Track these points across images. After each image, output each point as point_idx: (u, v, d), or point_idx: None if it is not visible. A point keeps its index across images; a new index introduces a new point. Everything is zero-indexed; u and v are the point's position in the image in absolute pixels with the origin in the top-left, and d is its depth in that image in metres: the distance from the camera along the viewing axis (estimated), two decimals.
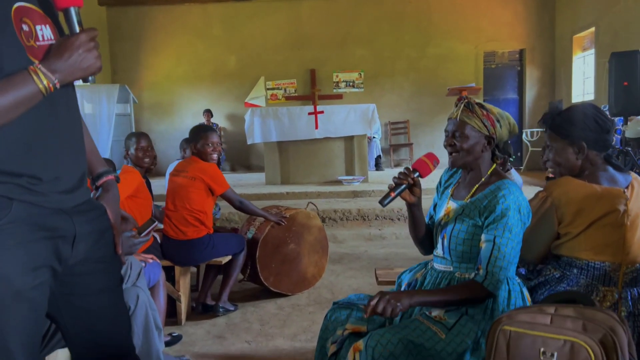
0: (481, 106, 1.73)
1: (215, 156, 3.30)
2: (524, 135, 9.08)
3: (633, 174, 1.84)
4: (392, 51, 9.95)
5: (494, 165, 1.82)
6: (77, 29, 1.23)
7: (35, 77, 1.12)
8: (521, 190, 1.74)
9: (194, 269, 3.91)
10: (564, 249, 1.78)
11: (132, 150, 3.14)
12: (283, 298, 3.62)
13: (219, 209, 4.86)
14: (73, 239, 1.25)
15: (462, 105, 1.76)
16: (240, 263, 3.38)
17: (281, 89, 10.26)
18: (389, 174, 8.05)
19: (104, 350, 1.37)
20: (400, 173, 1.79)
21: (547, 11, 9.71)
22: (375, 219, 5.57)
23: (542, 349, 1.15)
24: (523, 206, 1.67)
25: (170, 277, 3.27)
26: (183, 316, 3.24)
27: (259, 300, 3.61)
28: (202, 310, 3.41)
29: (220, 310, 3.33)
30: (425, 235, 1.94)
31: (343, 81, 10.18)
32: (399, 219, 5.56)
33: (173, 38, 10.21)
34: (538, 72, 9.81)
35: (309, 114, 7.04)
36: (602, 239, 1.71)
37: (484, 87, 9.80)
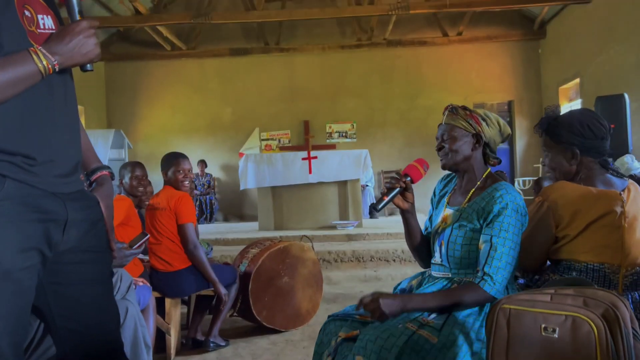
0: (465, 108, 1.77)
1: (187, 183, 3.17)
2: (516, 184, 9.16)
3: (629, 180, 1.85)
4: (383, 103, 10.20)
5: (489, 169, 1.83)
6: (78, 17, 1.27)
7: (35, 57, 1.14)
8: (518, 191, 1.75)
9: (184, 309, 3.81)
10: (563, 253, 1.76)
11: (126, 179, 3.13)
12: (276, 334, 3.50)
13: (211, 248, 4.79)
14: (64, 224, 1.23)
15: (447, 111, 1.80)
16: (232, 296, 3.29)
17: (275, 140, 10.40)
18: (383, 222, 8.03)
19: (91, 344, 1.31)
20: (392, 177, 1.80)
21: (532, 64, 10.07)
22: (371, 260, 5.50)
23: (543, 325, 1.11)
24: (521, 206, 1.67)
25: (160, 311, 3.17)
26: (173, 351, 3.11)
27: (251, 336, 3.49)
28: (192, 345, 3.28)
29: (211, 345, 3.21)
30: (421, 244, 1.92)
31: (336, 132, 10.35)
32: (394, 260, 5.49)
33: (169, 91, 10.44)
34: (527, 122, 10.03)
35: (303, 159, 7.10)
36: (600, 240, 1.70)
37: None
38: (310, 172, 7.08)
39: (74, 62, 1.22)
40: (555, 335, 1.09)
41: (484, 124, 1.78)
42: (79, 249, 1.29)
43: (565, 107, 9.36)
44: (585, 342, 1.06)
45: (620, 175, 1.80)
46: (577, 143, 1.81)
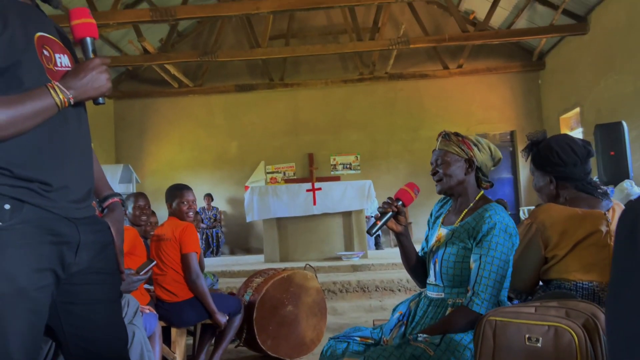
0: (457, 134, 1.87)
1: (191, 214, 3.24)
2: (521, 213, 9.17)
3: (614, 200, 1.92)
4: (386, 134, 10.34)
5: (481, 192, 1.91)
6: (92, 55, 1.39)
7: (52, 92, 1.25)
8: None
9: (190, 340, 3.83)
10: (552, 272, 1.82)
11: (130, 210, 3.22)
12: None
13: (217, 279, 4.84)
14: (77, 247, 1.31)
15: (441, 137, 1.90)
16: (236, 325, 3.33)
17: (280, 172, 10.53)
18: (389, 253, 8.04)
19: None
20: (384, 202, 1.88)
21: (533, 95, 10.23)
22: (376, 290, 5.51)
23: (527, 335, 1.17)
24: (510, 226, 1.73)
25: (167, 341, 3.21)
26: None
27: None
28: None
29: None
30: (417, 264, 1.98)
31: (340, 164, 10.47)
32: (399, 290, 5.50)
33: (176, 127, 10.67)
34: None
35: (307, 190, 7.19)
36: (588, 259, 1.76)
37: None
38: (314, 203, 7.17)
39: (87, 95, 1.33)
40: (539, 345, 1.14)
41: (475, 149, 1.87)
42: (90, 271, 1.36)
43: None
44: (566, 351, 1.12)
45: (604, 196, 1.86)
46: (550, 171, 1.90)
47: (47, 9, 1.48)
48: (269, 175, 10.53)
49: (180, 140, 10.64)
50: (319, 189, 7.23)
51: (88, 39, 1.39)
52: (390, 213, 1.83)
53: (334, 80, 10.37)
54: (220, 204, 10.29)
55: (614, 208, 1.82)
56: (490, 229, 1.69)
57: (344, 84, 10.39)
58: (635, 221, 0.46)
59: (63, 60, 1.39)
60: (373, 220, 1.87)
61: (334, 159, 10.50)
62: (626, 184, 4.90)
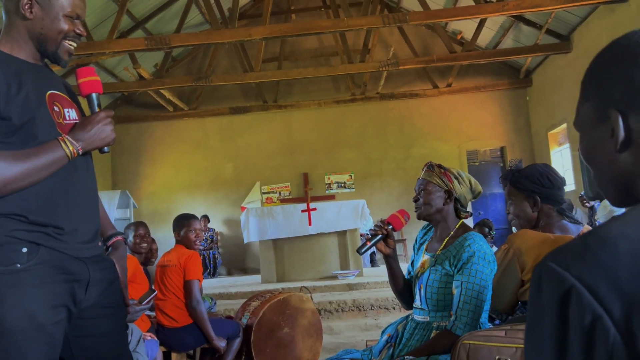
0: (440, 166, 2.01)
1: (199, 242, 3.37)
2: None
3: (585, 225, 2.06)
4: (379, 153, 10.51)
5: (461, 221, 2.05)
6: (97, 109, 1.54)
7: (63, 144, 1.39)
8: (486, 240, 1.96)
9: None
10: (528, 295, 1.94)
11: (130, 238, 3.35)
12: None
13: (215, 303, 4.93)
14: (87, 284, 1.44)
15: (426, 168, 2.05)
16: (234, 348, 3.43)
17: (276, 192, 10.66)
18: (384, 270, 8.13)
19: None
20: (375, 225, 2.02)
21: (521, 112, 10.45)
22: (371, 308, 5.61)
23: (497, 357, 1.29)
24: (488, 254, 1.87)
25: None
26: None
27: None
28: None
29: None
30: (404, 287, 2.12)
31: (335, 182, 10.61)
32: (394, 308, 5.60)
33: (172, 150, 10.80)
34: (522, 164, 10.29)
35: (302, 211, 7.31)
36: None
37: None
38: (310, 223, 7.28)
39: (94, 146, 1.48)
40: None
41: (455, 182, 2.01)
42: (99, 306, 1.49)
43: (555, 152, 9.65)
44: None
45: (575, 221, 2.00)
46: (537, 191, 2.03)
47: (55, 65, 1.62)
48: (265, 196, 10.65)
49: (176, 163, 10.77)
50: (314, 209, 7.35)
51: (94, 95, 1.54)
52: (380, 236, 1.97)
53: (327, 100, 10.57)
54: (216, 225, 10.39)
55: (584, 232, 1.95)
56: (470, 257, 1.83)
57: (337, 105, 10.59)
58: (541, 272, 0.60)
59: (71, 114, 1.54)
60: (364, 240, 2.01)
61: (329, 178, 10.64)
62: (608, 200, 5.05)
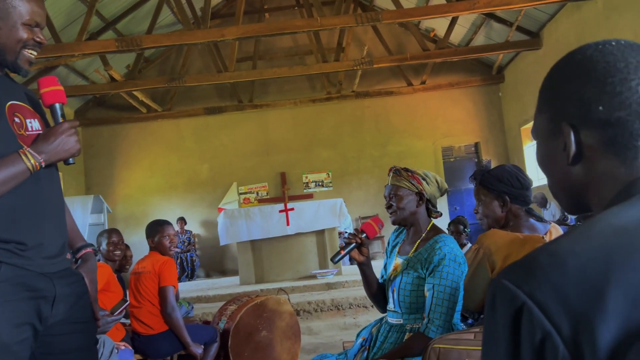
0: (407, 170, 2.03)
1: (173, 248, 3.31)
2: None
3: (552, 223, 2.10)
4: (355, 151, 10.55)
5: (432, 222, 2.07)
6: (61, 120, 1.50)
7: (24, 158, 1.35)
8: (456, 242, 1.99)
9: None
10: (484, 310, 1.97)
11: (103, 246, 3.29)
12: None
13: (192, 307, 4.89)
14: (53, 300, 1.40)
15: (392, 173, 2.06)
16: (212, 354, 3.40)
17: (253, 193, 10.61)
18: None
19: None
20: (349, 234, 2.03)
21: (495, 107, 10.60)
22: (350, 307, 5.63)
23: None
24: (458, 255, 1.90)
25: None
26: None
27: None
28: None
29: None
30: (378, 291, 2.13)
31: (312, 181, 10.62)
32: (372, 306, 5.62)
33: (146, 152, 10.66)
34: (494, 162, 10.45)
35: (280, 211, 7.29)
36: None
37: (446, 180, 10.25)
38: (288, 224, 7.27)
39: (58, 158, 1.44)
40: None
41: (424, 182, 2.03)
42: (67, 321, 1.45)
43: (528, 147, 9.82)
44: None
45: (542, 220, 2.04)
46: (506, 191, 2.06)
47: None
48: (242, 196, 10.60)
49: (151, 165, 10.63)
50: (292, 209, 7.34)
51: (57, 105, 1.50)
52: (354, 244, 1.98)
53: (303, 100, 10.56)
54: (193, 227, 10.29)
55: (551, 231, 2.00)
56: (440, 259, 1.85)
57: (313, 103, 10.59)
58: (495, 289, 0.61)
59: (34, 125, 1.50)
60: (339, 248, 2.01)
61: (306, 177, 10.64)
62: None
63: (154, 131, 10.66)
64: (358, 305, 5.63)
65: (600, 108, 0.66)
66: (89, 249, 1.65)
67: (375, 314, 5.47)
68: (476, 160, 10.63)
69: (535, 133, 0.80)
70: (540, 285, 0.56)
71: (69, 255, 1.59)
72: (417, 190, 2.01)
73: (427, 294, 1.85)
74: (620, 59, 0.67)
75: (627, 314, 0.51)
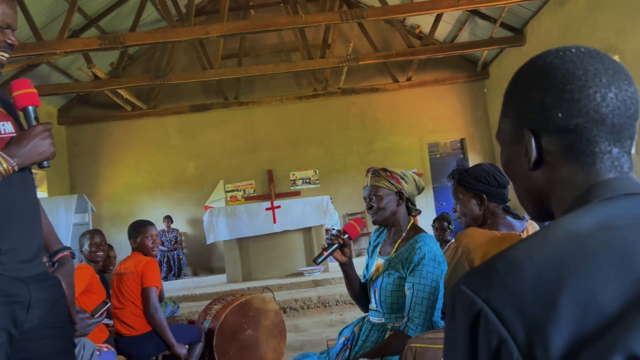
0: (385, 170, 2.04)
1: (156, 249, 3.29)
2: None
3: (529, 220, 2.12)
4: (342, 148, 10.56)
5: (412, 221, 2.08)
6: (34, 123, 1.48)
7: None
8: (436, 241, 2.00)
9: None
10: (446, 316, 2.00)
11: (86, 247, 3.26)
12: None
13: (178, 307, 4.87)
14: (28, 305, 1.39)
15: (371, 174, 2.07)
16: (197, 353, 3.39)
17: (240, 190, 10.58)
18: None
19: None
20: (332, 235, 2.03)
21: (480, 103, 10.66)
22: (336, 304, 5.65)
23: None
24: (438, 255, 1.91)
25: None
26: None
27: None
28: None
29: None
30: (360, 291, 2.14)
31: (300, 179, 10.61)
32: None
33: (131, 150, 10.57)
34: (480, 157, 10.53)
35: (267, 209, 7.29)
36: None
37: (432, 176, 10.39)
38: (274, 221, 7.26)
39: (31, 161, 1.42)
40: None
41: (403, 181, 2.04)
42: (43, 326, 1.44)
43: None
44: None
45: (520, 218, 2.06)
46: (484, 190, 2.08)
47: None
48: (229, 194, 10.56)
49: (136, 164, 10.55)
50: (279, 207, 7.34)
51: (30, 108, 1.48)
52: (336, 245, 1.99)
53: (289, 97, 10.53)
54: (180, 225, 10.24)
55: (528, 228, 2.02)
56: (420, 259, 1.86)
57: (299, 100, 10.56)
58: (454, 295, 0.62)
59: (7, 127, 1.48)
60: (321, 249, 2.02)
61: (294, 174, 10.63)
62: None
63: (139, 129, 10.58)
64: (344, 302, 5.65)
65: (560, 115, 0.67)
66: (66, 252, 1.64)
67: (361, 311, 5.50)
68: (462, 156, 10.70)
69: (500, 137, 0.81)
70: (497, 292, 0.56)
71: (45, 259, 1.58)
72: (396, 190, 2.02)
73: (407, 292, 1.86)
74: (579, 67, 0.68)
75: (578, 320, 0.52)
